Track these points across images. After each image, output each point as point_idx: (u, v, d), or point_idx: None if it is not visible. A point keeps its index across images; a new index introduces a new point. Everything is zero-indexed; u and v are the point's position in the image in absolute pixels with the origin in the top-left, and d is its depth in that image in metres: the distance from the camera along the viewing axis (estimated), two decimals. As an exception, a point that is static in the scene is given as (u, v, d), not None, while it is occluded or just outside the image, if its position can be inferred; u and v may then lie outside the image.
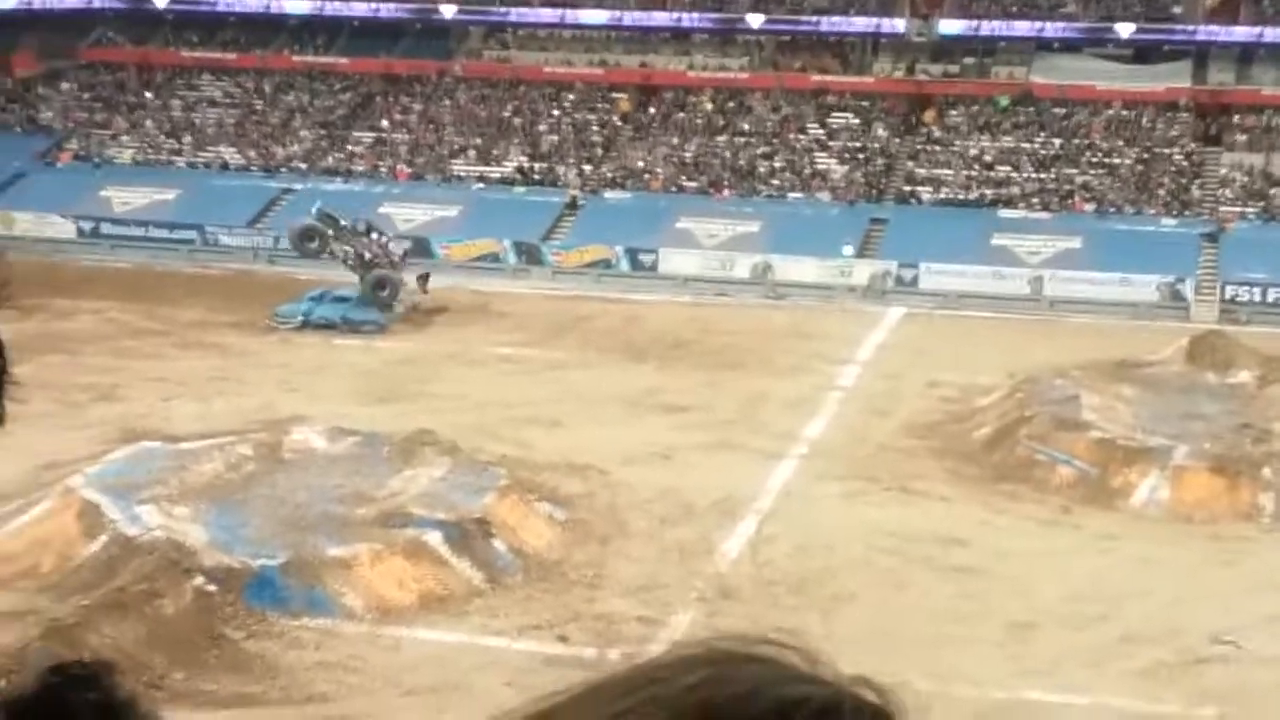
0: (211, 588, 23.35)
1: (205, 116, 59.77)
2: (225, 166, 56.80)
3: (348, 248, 43.66)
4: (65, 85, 61.35)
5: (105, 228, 53.06)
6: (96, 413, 32.91)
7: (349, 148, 57.39)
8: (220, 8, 61.15)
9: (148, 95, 60.85)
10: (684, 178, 54.41)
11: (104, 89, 61.28)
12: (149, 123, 59.48)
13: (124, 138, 58.72)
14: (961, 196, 52.52)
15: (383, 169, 56.05)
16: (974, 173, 53.57)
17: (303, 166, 56.44)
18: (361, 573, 24.48)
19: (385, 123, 58.44)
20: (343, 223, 44.27)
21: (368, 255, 43.77)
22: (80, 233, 52.79)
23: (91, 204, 54.07)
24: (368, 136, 58.03)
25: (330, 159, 56.84)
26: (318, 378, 36.77)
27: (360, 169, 56.03)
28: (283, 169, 56.35)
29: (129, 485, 26.99)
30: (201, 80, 61.59)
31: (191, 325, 41.61)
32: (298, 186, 54.42)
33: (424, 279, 44.58)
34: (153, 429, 31.54)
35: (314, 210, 44.74)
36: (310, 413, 32.49)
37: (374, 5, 60.17)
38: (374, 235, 45.03)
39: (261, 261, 49.27)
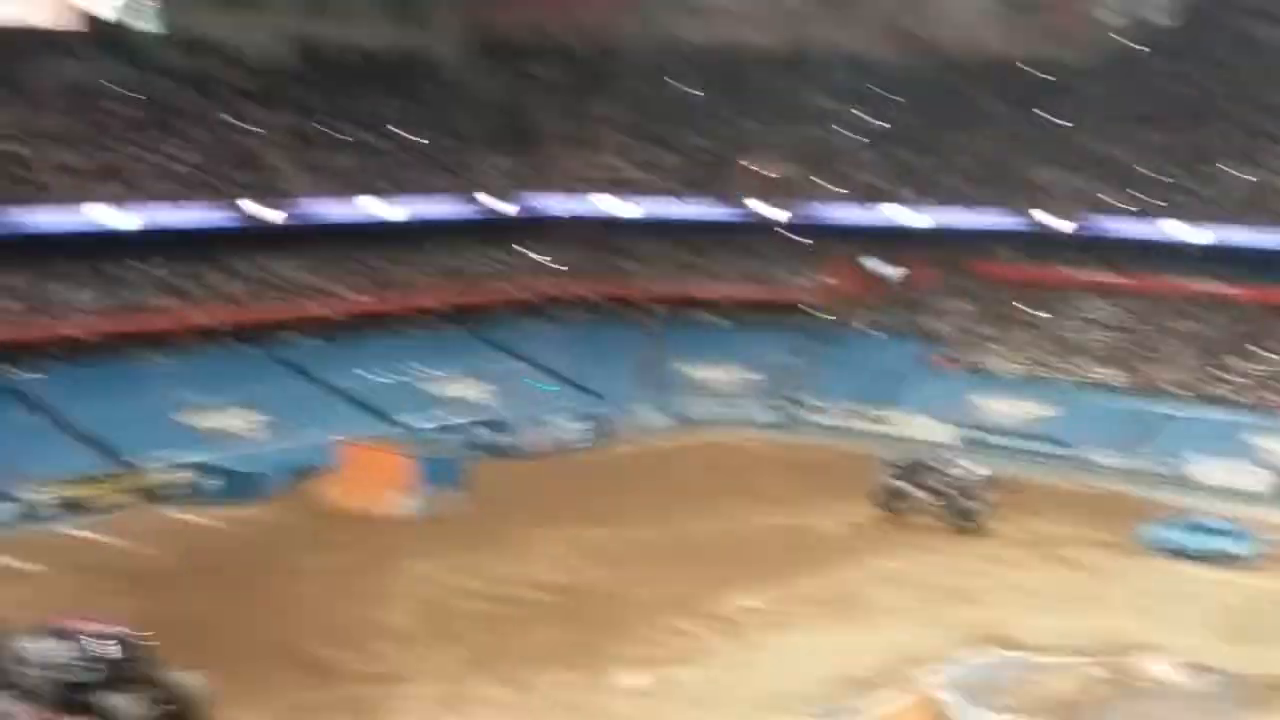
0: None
1: (1087, 335, 60.76)
2: (1103, 386, 57.43)
3: (931, 494, 43.33)
4: (955, 297, 64.38)
5: (980, 435, 55.15)
6: (957, 614, 34.07)
7: (1230, 376, 56.33)
8: (1120, 233, 61.74)
9: (1033, 310, 62.67)
10: None
11: (991, 302, 63.70)
12: (1030, 337, 61.27)
13: (1003, 349, 60.82)
14: None
15: (1266, 400, 54.56)
16: None
17: (1182, 392, 56.05)
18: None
19: (1273, 354, 56.87)
20: (928, 472, 43.78)
21: (952, 492, 43.15)
22: (956, 438, 55.03)
23: (966, 411, 56.54)
24: (1253, 367, 56.69)
25: (1211, 386, 56.04)
26: (1176, 606, 35.85)
27: (1240, 399, 54.86)
28: (1161, 393, 56.22)
29: (981, 690, 27.84)
30: (1086, 300, 62.69)
31: (1056, 540, 42.19)
32: (1175, 413, 54.14)
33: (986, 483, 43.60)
34: (1006, 637, 32.25)
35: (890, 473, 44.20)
36: (1163, 642, 31.90)
37: (1262, 233, 58.50)
38: (950, 470, 43.89)
39: (1134, 484, 49.20)
